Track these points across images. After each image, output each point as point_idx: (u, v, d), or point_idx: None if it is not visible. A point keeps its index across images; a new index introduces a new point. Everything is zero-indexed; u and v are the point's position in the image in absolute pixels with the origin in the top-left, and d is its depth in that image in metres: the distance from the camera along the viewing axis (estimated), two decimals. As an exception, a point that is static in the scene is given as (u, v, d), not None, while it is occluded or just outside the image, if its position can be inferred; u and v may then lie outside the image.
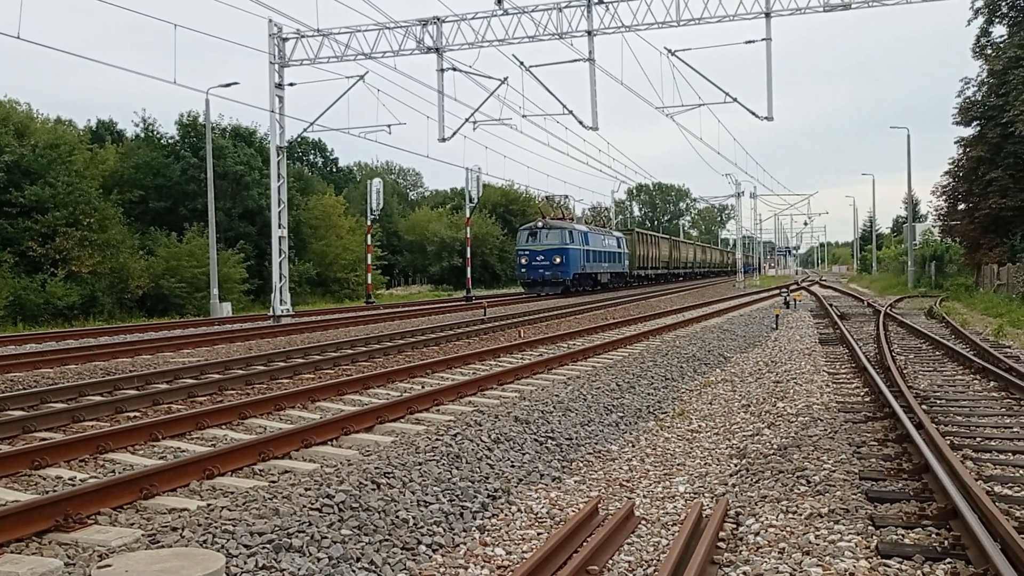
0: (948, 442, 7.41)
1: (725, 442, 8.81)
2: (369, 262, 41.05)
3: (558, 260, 42.74)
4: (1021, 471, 6.83)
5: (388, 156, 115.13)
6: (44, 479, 6.74)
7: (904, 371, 12.47)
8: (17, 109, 35.19)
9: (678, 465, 8.00)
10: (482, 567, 5.36)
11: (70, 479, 6.70)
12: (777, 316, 22.80)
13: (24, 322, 27.16)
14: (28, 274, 29.17)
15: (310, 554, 5.04)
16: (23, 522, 5.20)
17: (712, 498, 6.75)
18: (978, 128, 36.31)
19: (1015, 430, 8.35)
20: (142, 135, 43.87)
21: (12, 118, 33.36)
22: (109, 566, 4.07)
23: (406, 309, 31.63)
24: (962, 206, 39.98)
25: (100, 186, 34.61)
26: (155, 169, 40.83)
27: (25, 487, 6.56)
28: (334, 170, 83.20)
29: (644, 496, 6.96)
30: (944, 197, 41.76)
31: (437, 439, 7.65)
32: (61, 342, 19.30)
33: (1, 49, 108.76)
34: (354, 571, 5.05)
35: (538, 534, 5.98)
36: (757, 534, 5.51)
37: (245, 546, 4.95)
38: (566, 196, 52.13)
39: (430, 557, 5.51)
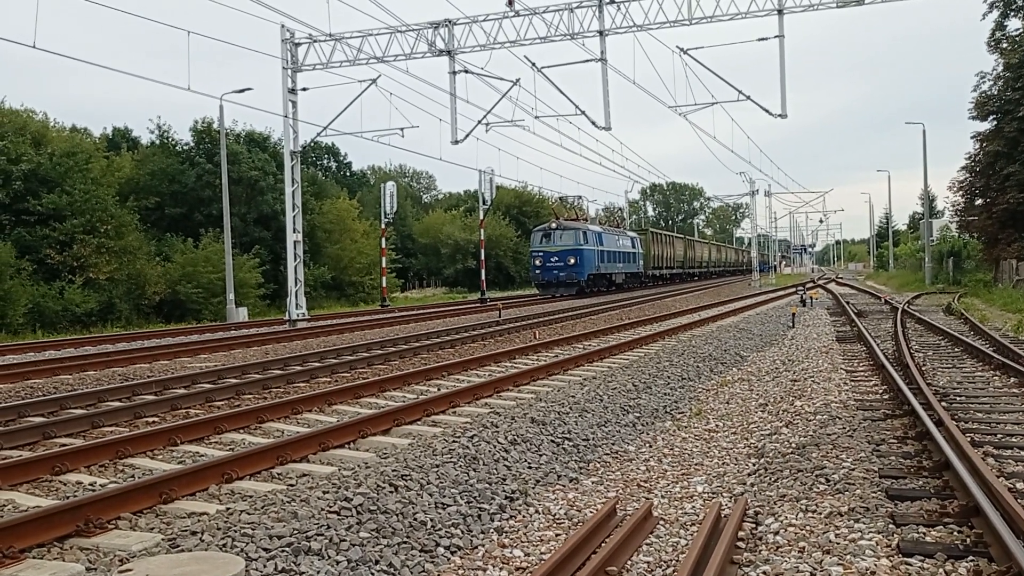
0: (969, 439, 7.34)
1: (743, 441, 8.77)
2: (384, 265, 41.14)
3: (572, 261, 42.67)
4: (1043, 468, 6.75)
5: (401, 159, 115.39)
6: (65, 485, 6.79)
7: (923, 368, 12.37)
8: (34, 118, 35.50)
9: (696, 465, 7.97)
10: (501, 569, 5.36)
11: (90, 484, 6.75)
12: (794, 314, 22.69)
13: (43, 329, 27.39)
14: (46, 281, 29.43)
15: (329, 557, 5.06)
16: (45, 527, 5.25)
17: (731, 498, 6.72)
18: (995, 122, 36.01)
19: (1037, 426, 8.26)
20: (157, 142, 44.18)
21: (29, 127, 33.66)
22: (130, 570, 4.10)
23: (421, 312, 31.69)
24: (979, 201, 39.65)
25: (116, 193, 34.88)
26: (170, 175, 41.11)
27: (46, 493, 6.61)
28: (348, 174, 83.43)
29: (662, 496, 6.93)
30: (961, 192, 41.43)
31: (454, 441, 7.66)
32: (79, 348, 19.45)
33: (17, 58, 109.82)
34: (373, 574, 5.06)
35: (556, 535, 5.97)
36: (776, 533, 5.48)
37: (264, 549, 4.97)
38: (580, 196, 52.15)
39: (448, 559, 5.51)
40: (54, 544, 5.23)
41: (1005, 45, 36.07)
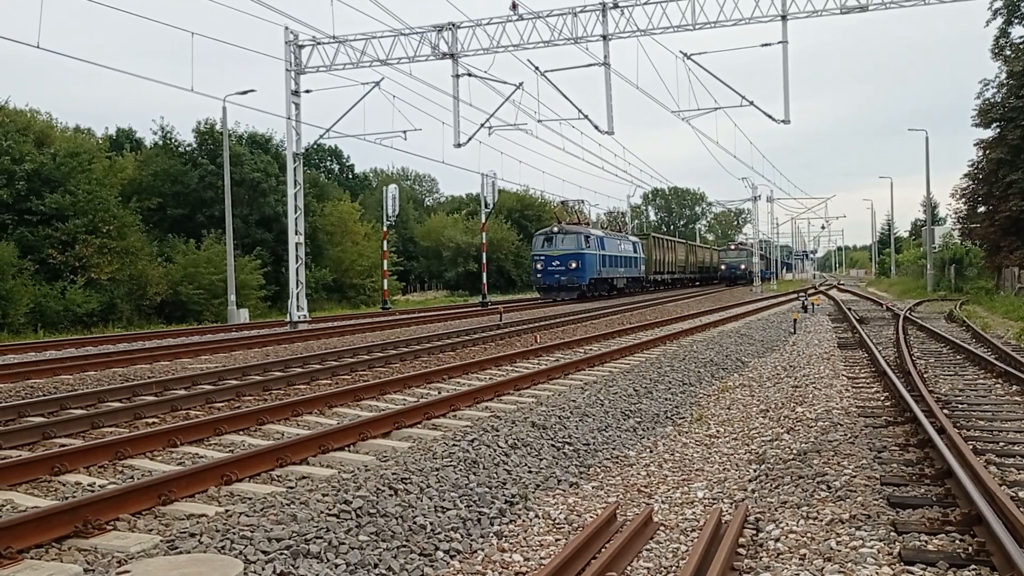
0: (971, 447, 7.32)
1: (744, 447, 8.74)
2: (385, 268, 41.16)
3: (574, 265, 42.66)
4: (1046, 476, 6.72)
5: (404, 162, 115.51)
6: (64, 485, 6.77)
7: (924, 375, 12.34)
8: (37, 118, 35.53)
9: (696, 470, 7.95)
10: (500, 573, 5.34)
11: (89, 485, 6.73)
12: (795, 320, 22.66)
13: (44, 329, 27.38)
14: (48, 281, 29.43)
15: (328, 560, 5.04)
16: (43, 528, 5.23)
17: (731, 504, 6.69)
18: (998, 130, 36.01)
19: (1039, 435, 8.23)
20: (160, 143, 44.18)
21: (32, 127, 33.66)
22: (128, 572, 4.08)
23: (422, 315, 31.67)
24: (982, 208, 39.64)
25: (119, 194, 34.84)
26: (173, 176, 41.12)
27: (45, 493, 6.59)
28: (350, 176, 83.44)
29: (662, 502, 6.91)
30: (963, 200, 41.40)
31: (454, 445, 7.64)
32: (80, 349, 19.44)
33: (21, 58, 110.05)
34: (372, 577, 5.04)
35: (556, 540, 5.95)
36: (777, 540, 5.45)
37: (263, 552, 4.95)
38: (582, 201, 51.85)
39: (448, 563, 5.49)
40: (52, 545, 5.22)
41: (1009, 52, 36.06)
